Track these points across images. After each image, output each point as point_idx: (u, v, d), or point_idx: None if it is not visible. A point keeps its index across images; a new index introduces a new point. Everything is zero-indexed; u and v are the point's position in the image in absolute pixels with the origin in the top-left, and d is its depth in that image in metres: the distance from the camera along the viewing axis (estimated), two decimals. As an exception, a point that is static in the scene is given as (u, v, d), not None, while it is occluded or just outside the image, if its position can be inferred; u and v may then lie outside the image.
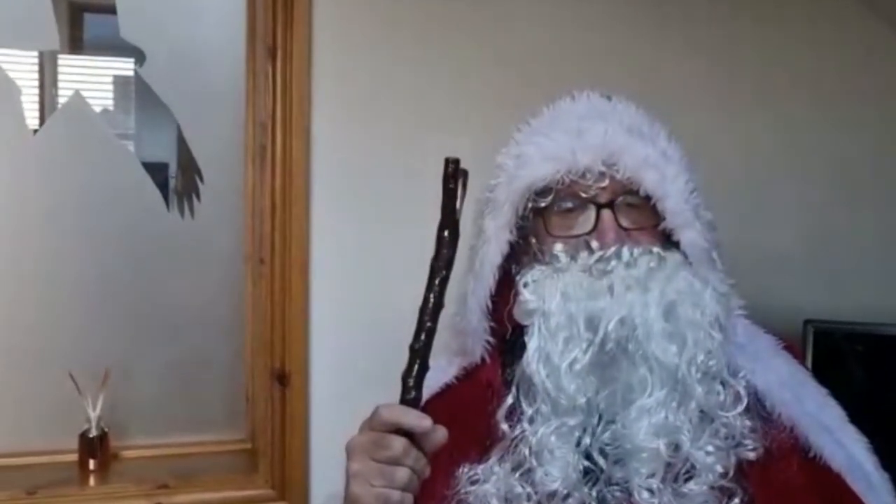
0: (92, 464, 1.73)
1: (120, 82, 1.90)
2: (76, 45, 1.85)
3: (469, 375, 1.17)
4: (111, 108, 1.89)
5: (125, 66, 1.88)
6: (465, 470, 1.05)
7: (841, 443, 1.08)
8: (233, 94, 1.80)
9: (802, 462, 1.04)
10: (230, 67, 1.81)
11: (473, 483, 1.04)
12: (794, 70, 1.98)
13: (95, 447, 1.73)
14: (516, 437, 1.03)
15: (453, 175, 0.89)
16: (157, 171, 1.87)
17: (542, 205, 1.09)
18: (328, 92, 1.73)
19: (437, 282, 0.90)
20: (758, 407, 1.05)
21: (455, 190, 0.89)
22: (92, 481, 1.70)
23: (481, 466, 1.04)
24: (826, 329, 1.79)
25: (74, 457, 1.74)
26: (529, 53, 1.82)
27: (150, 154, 1.91)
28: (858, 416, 1.14)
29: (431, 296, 0.91)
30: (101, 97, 1.88)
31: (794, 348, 1.20)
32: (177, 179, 1.91)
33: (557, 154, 1.07)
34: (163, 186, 1.87)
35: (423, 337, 0.91)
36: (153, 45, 1.81)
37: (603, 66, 1.83)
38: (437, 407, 1.12)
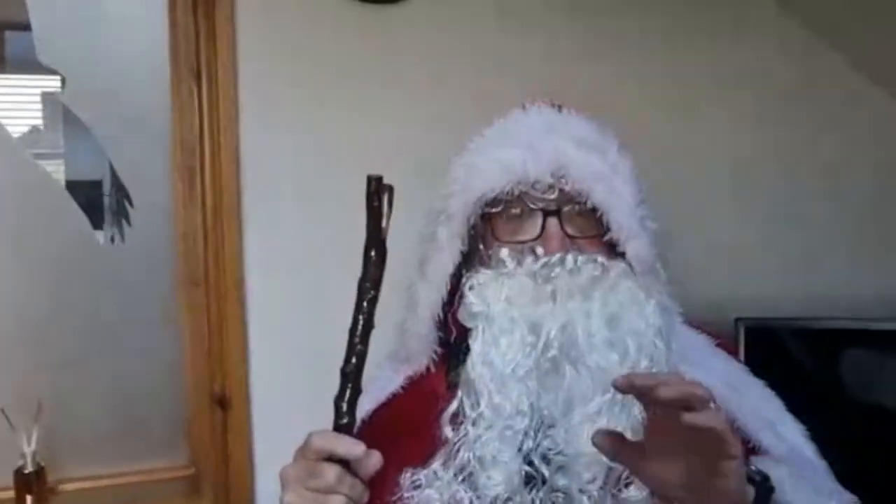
0: (29, 500, 1.67)
1: (49, 100, 1.87)
2: (-1, 64, 1.81)
3: (414, 385, 1.19)
4: (41, 127, 1.85)
5: (53, 84, 1.84)
6: (408, 475, 1.05)
7: (781, 433, 1.12)
8: (158, 117, 1.77)
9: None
10: (153, 89, 1.77)
11: (416, 488, 1.05)
12: (721, 69, 2.03)
13: (31, 483, 1.68)
14: (459, 440, 1.04)
15: (377, 192, 0.89)
16: (90, 189, 1.84)
17: (492, 212, 1.12)
18: (256, 111, 1.73)
19: (365, 303, 0.90)
20: None
21: (380, 208, 0.89)
22: (30, 517, 1.66)
23: (424, 471, 1.05)
24: (757, 326, 1.83)
25: (11, 493, 1.68)
26: (459, 76, 1.84)
27: (82, 172, 1.87)
28: (792, 410, 1.18)
29: (361, 317, 0.91)
30: (29, 116, 1.84)
31: (727, 345, 1.24)
32: (111, 197, 1.87)
33: (509, 166, 1.09)
34: (97, 205, 1.84)
35: (353, 360, 0.91)
36: (72, 68, 1.77)
37: (534, 71, 1.86)
38: (384, 417, 1.14)
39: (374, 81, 1.80)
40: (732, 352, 1.24)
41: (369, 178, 0.89)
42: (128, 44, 1.81)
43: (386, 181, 0.91)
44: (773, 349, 1.85)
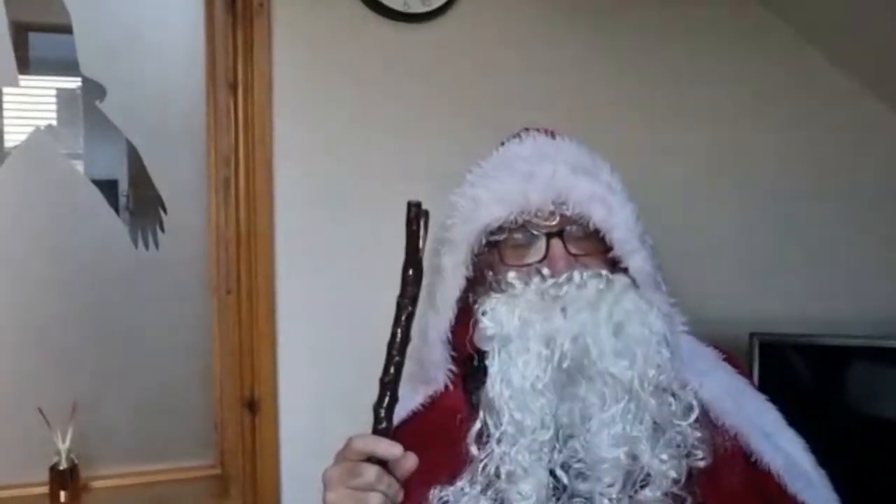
0: (63, 495, 1.74)
1: (64, 96, 1.90)
2: (22, 65, 1.83)
3: (434, 403, 1.22)
4: (54, 123, 1.87)
5: (70, 82, 1.88)
6: (436, 492, 1.09)
7: (780, 446, 1.16)
8: (194, 127, 1.83)
9: (745, 467, 1.11)
10: (190, 101, 1.83)
11: None
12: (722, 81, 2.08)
13: (66, 479, 1.74)
14: (485, 457, 1.08)
15: (416, 217, 0.94)
16: (106, 188, 1.87)
17: (496, 239, 1.16)
18: (290, 125, 1.77)
19: (403, 317, 0.96)
20: (704, 418, 1.11)
21: (417, 231, 0.94)
22: (64, 513, 1.72)
23: (451, 488, 1.09)
24: (771, 341, 1.87)
25: (45, 489, 1.75)
26: (484, 99, 1.88)
27: (100, 172, 1.91)
28: (804, 423, 1.21)
29: (399, 331, 0.96)
30: (51, 117, 1.87)
31: (732, 359, 1.28)
32: (128, 197, 1.91)
33: (509, 196, 1.14)
34: (113, 204, 1.88)
35: (392, 370, 0.96)
36: (114, 81, 1.83)
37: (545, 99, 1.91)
38: (406, 434, 1.17)
39: (407, 98, 1.84)
40: (737, 365, 1.28)
41: (409, 204, 0.95)
42: (166, 57, 1.88)
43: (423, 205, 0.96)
44: (788, 364, 1.89)
